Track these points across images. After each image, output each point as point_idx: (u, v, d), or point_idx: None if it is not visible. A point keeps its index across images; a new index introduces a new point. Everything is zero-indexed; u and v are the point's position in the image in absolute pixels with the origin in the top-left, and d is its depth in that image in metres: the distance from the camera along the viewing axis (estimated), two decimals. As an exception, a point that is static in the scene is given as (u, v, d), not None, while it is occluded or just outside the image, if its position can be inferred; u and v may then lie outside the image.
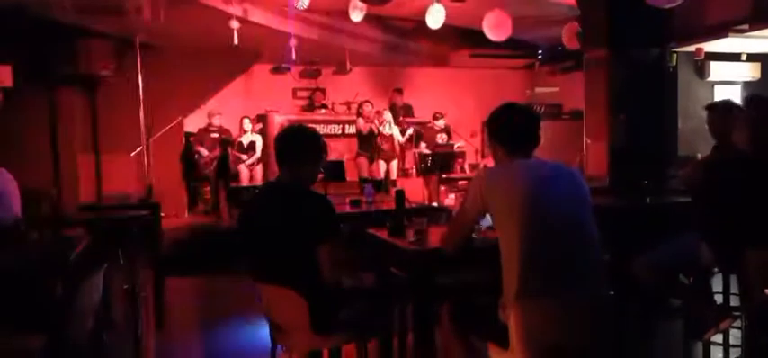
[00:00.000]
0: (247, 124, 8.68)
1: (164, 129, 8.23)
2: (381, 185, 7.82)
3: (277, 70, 10.22)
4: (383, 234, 3.25)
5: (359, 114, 8.47)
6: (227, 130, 8.69)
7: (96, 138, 7.90)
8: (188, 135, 9.20)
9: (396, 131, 8.52)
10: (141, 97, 7.27)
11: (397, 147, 8.66)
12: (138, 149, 7.72)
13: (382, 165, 8.43)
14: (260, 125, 8.98)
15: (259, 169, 8.65)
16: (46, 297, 2.56)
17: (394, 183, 8.33)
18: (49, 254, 2.93)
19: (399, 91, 10.05)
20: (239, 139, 8.55)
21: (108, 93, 7.76)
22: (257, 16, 7.29)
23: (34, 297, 2.54)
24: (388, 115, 8.48)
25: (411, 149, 9.50)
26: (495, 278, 2.32)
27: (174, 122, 8.45)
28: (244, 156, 8.52)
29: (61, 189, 7.20)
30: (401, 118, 9.33)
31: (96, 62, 7.28)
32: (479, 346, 2.51)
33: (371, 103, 8.66)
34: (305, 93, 10.44)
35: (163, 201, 6.50)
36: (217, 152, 8.46)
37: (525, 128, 2.47)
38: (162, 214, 5.98)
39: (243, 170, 8.49)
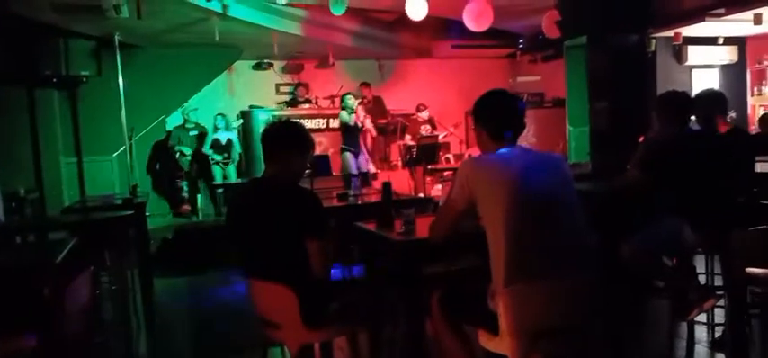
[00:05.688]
0: (220, 121, 8.59)
1: (146, 129, 8.17)
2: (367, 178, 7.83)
3: (259, 66, 10.19)
4: (371, 226, 3.27)
5: (343, 107, 8.10)
6: (203, 127, 8.62)
7: (78, 140, 7.81)
8: (169, 134, 9.13)
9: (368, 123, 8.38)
10: (122, 97, 7.20)
11: (369, 141, 8.56)
12: (121, 149, 7.65)
13: (366, 159, 8.37)
14: (241, 121, 8.94)
15: (232, 168, 8.58)
16: (34, 300, 2.54)
17: (374, 175, 8.32)
18: (35, 256, 2.91)
19: (367, 85, 10.04)
20: (215, 136, 8.46)
21: (89, 94, 7.66)
22: (238, 12, 7.23)
23: (22, 300, 2.52)
24: (350, 100, 8.00)
25: (395, 142, 9.51)
26: (483, 266, 2.35)
27: (157, 121, 8.39)
28: (219, 155, 8.43)
29: (44, 192, 7.11)
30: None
31: (76, 63, 7.19)
32: (469, 334, 2.54)
33: (354, 96, 8.36)
34: (288, 89, 10.40)
35: (147, 200, 6.45)
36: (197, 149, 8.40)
37: (510, 114, 2.49)
38: (147, 214, 5.93)
39: (216, 169, 8.42)
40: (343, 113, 7.90)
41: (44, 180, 7.24)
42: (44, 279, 2.60)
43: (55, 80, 7.23)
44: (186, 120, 8.67)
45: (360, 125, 7.95)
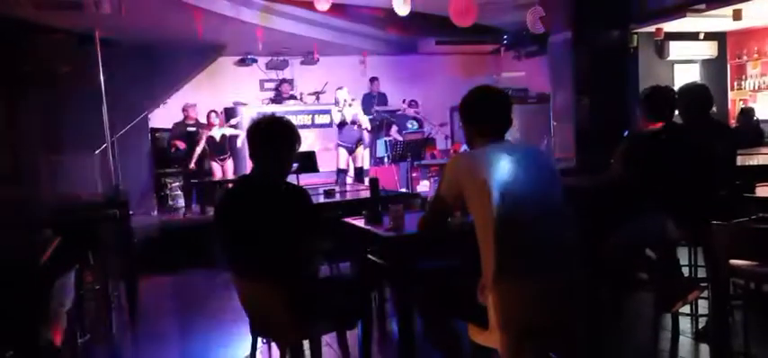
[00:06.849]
0: (214, 118, 8.53)
1: (128, 126, 8.07)
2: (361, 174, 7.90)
3: (243, 62, 10.11)
4: (360, 222, 3.27)
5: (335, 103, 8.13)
6: (203, 124, 8.55)
7: (59, 138, 7.69)
8: (154, 131, 9.04)
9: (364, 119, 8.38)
10: (103, 94, 7.10)
11: (365, 135, 8.57)
12: (103, 147, 7.55)
13: (359, 153, 8.36)
14: (238, 118, 8.87)
15: (230, 164, 8.53)
16: (17, 301, 2.50)
17: (366, 171, 8.33)
18: (17, 257, 2.85)
19: (375, 79, 10.04)
20: (210, 134, 8.39)
21: (69, 91, 7.55)
22: (221, 7, 7.16)
23: (5, 302, 2.48)
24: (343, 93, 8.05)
25: (382, 137, 9.49)
26: (473, 261, 2.36)
27: (139, 118, 8.29)
28: (220, 153, 8.39)
29: (24, 190, 7.00)
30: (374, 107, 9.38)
31: (57, 59, 7.08)
32: (459, 328, 2.55)
33: (347, 90, 8.27)
34: (272, 85, 10.34)
35: (130, 198, 6.37)
36: (195, 147, 8.33)
37: (497, 110, 2.50)
38: (131, 212, 5.86)
39: (216, 166, 8.37)
40: (334, 109, 7.99)
41: (25, 178, 7.13)
42: (26, 281, 2.56)
43: (35, 76, 7.11)
44: (186, 117, 8.59)
45: (351, 120, 8.00)
